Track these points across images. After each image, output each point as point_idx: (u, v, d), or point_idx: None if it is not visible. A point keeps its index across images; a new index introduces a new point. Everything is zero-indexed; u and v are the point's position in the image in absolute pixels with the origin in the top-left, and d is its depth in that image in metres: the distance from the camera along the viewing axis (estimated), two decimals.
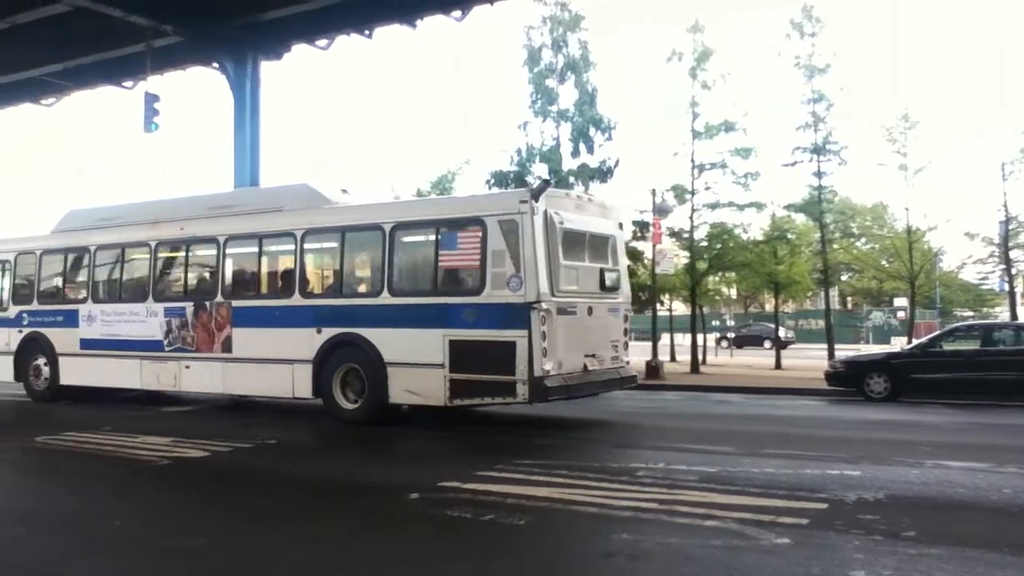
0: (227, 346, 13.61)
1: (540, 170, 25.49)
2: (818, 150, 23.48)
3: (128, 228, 15.22)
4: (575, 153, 25.46)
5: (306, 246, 13.17)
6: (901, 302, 45.01)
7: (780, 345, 28.36)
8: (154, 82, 23.03)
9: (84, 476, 8.96)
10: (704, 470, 8.33)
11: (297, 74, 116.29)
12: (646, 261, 24.73)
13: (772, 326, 34.78)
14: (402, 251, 12.49)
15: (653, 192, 22.87)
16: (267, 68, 24.98)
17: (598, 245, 12.63)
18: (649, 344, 23.21)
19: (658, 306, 26.66)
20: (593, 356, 12.08)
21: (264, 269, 14.08)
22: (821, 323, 32.55)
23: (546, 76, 25.63)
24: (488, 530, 6.35)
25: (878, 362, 17.10)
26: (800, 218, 28.48)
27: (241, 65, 24.07)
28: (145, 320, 14.59)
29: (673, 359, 29.11)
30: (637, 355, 28.07)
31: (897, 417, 13.72)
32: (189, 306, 14.12)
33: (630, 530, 6.16)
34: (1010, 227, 24.04)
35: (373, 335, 12.03)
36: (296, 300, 13.02)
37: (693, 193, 24.00)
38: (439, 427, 12.27)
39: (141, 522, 6.88)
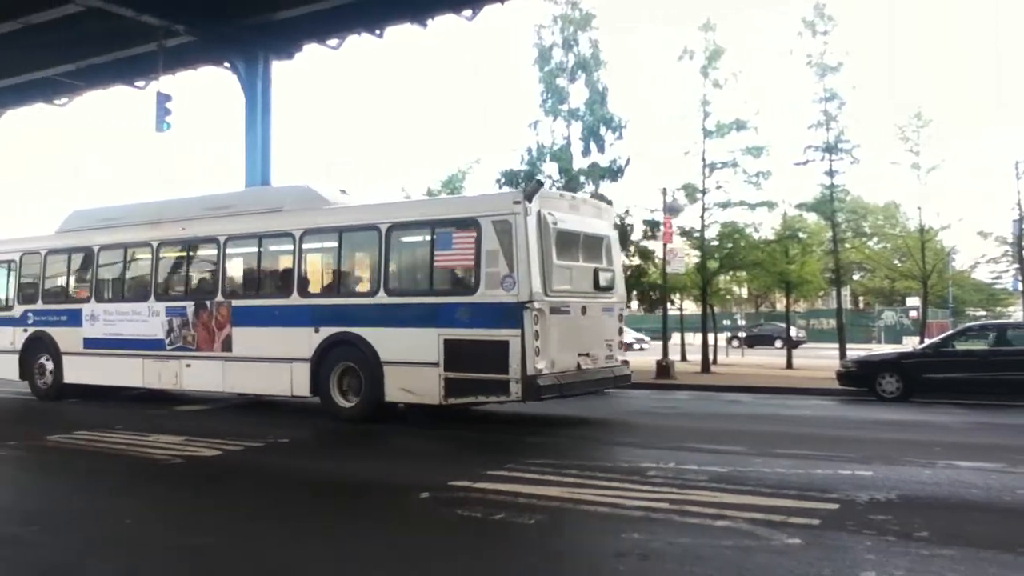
0: (227, 345, 13.76)
1: (551, 169, 25.49)
2: (830, 149, 23.38)
3: (130, 228, 15.39)
4: (586, 152, 25.43)
5: (304, 246, 13.31)
6: (913, 302, 44.75)
7: (791, 345, 28.23)
8: (166, 82, 23.10)
9: (96, 474, 9.02)
10: (715, 470, 8.31)
11: (308, 74, 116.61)
12: (657, 260, 24.69)
13: (783, 326, 34.63)
14: (398, 251, 12.66)
15: (664, 191, 22.84)
16: (278, 68, 25.06)
17: (592, 245, 12.72)
18: (660, 343, 23.16)
19: (669, 305, 26.60)
20: (587, 355, 12.18)
21: (263, 269, 14.24)
22: (832, 323, 32.43)
23: (557, 75, 25.62)
24: (499, 529, 6.36)
25: (890, 362, 17.02)
26: (812, 217, 28.39)
27: (252, 65, 24.14)
28: (147, 319, 14.75)
29: (684, 359, 29.06)
30: (648, 354, 28.13)
31: (909, 417, 13.67)
32: (190, 305, 14.27)
33: (641, 530, 6.16)
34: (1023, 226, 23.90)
35: (370, 334, 12.17)
36: (294, 300, 13.16)
37: (704, 192, 23.94)
38: (437, 426, 12.33)
39: (152, 520, 6.91)
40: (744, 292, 55.78)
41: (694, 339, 30.54)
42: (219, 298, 13.97)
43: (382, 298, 12.26)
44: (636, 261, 26.15)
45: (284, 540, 6.12)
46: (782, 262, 25.27)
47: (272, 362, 13.16)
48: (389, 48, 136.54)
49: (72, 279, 16.43)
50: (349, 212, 13.46)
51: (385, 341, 12.03)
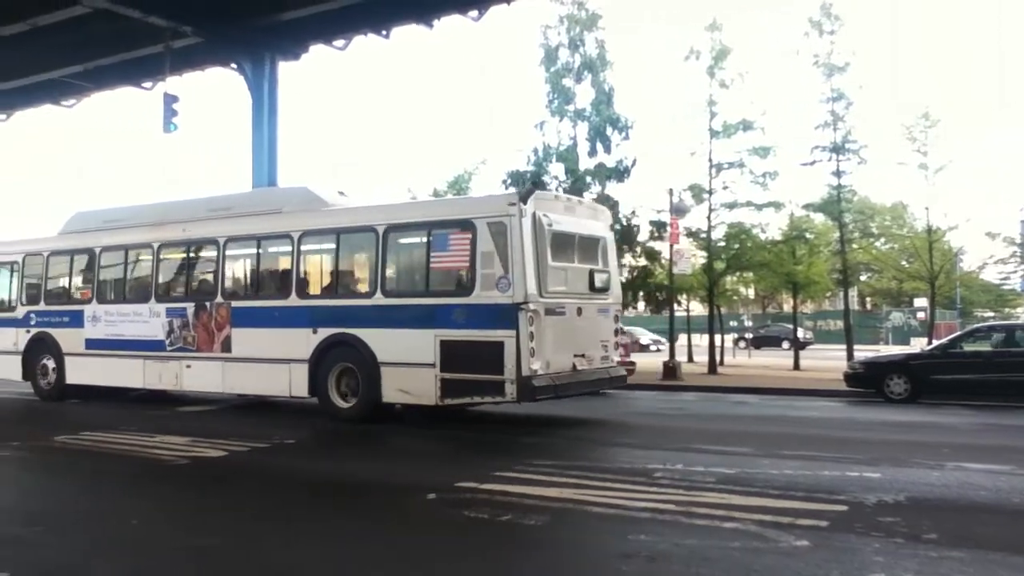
0: (226, 346, 13.83)
1: (557, 170, 25.52)
2: (837, 149, 23.32)
3: (132, 230, 15.48)
4: (592, 152, 25.44)
5: (303, 248, 13.38)
6: (921, 303, 44.60)
7: (798, 346, 28.18)
8: (173, 83, 23.18)
9: (103, 475, 9.02)
10: (722, 471, 8.28)
11: (315, 74, 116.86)
12: (663, 261, 24.64)
13: (790, 327, 34.59)
14: (395, 253, 12.73)
15: (670, 192, 22.77)
16: (285, 68, 25.10)
17: (588, 247, 12.75)
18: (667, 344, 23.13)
19: (675, 306, 26.56)
20: (582, 356, 12.21)
21: (262, 270, 14.31)
22: (840, 324, 32.38)
23: (563, 75, 25.63)
24: (506, 531, 6.34)
25: (898, 363, 16.96)
26: (819, 218, 28.29)
27: (259, 65, 24.17)
28: (148, 320, 14.83)
29: (690, 360, 29.02)
30: (655, 356, 28.09)
31: (917, 418, 13.61)
32: (190, 306, 14.35)
33: (648, 531, 6.13)
34: None
35: (367, 335, 12.23)
36: (293, 301, 13.22)
37: (711, 193, 23.89)
38: (436, 426, 12.36)
39: (158, 521, 6.91)
40: (751, 293, 55.66)
41: (701, 340, 30.49)
42: (219, 299, 14.04)
43: (379, 299, 12.33)
44: (642, 262, 26.14)
45: (290, 541, 6.11)
46: (789, 263, 25.21)
47: (271, 363, 13.23)
48: (395, 49, 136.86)
49: (74, 280, 16.53)
50: (346, 214, 13.52)
51: (382, 342, 12.10)
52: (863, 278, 54.50)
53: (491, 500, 7.12)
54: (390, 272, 12.63)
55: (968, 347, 16.71)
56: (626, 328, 39.79)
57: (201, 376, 14.18)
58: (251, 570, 5.62)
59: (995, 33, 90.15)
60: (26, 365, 16.58)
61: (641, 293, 27.08)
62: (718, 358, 25.43)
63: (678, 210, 22.64)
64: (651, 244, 25.84)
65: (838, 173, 23.51)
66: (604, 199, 25.12)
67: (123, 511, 7.21)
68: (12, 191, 74.27)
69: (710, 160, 23.78)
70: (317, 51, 25.02)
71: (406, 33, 24.04)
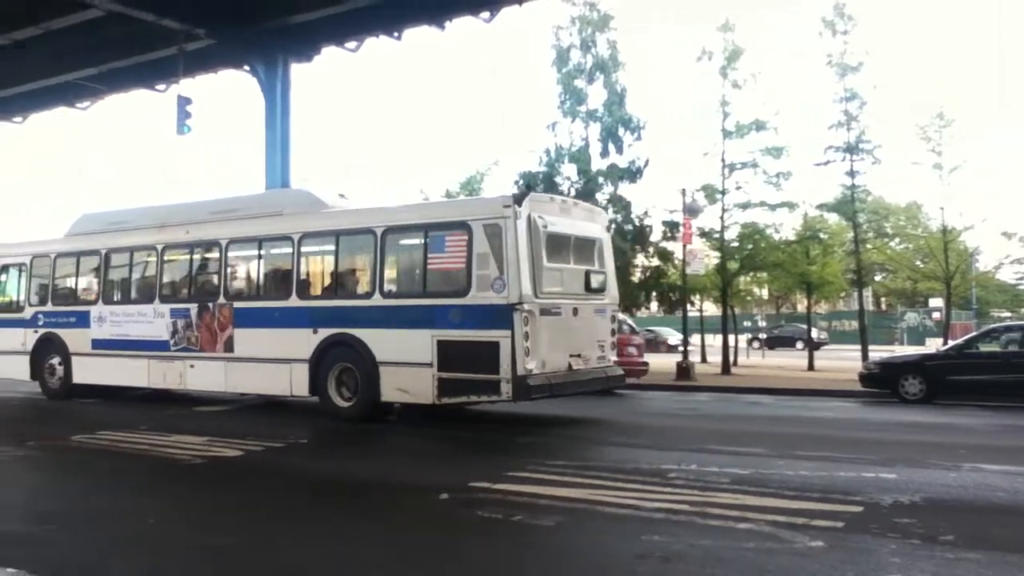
0: (229, 346, 13.98)
1: (569, 170, 25.50)
2: (851, 149, 23.23)
3: (136, 232, 15.68)
4: (604, 153, 25.42)
5: (303, 249, 13.53)
6: (936, 303, 44.32)
7: (813, 346, 28.07)
8: (186, 85, 23.32)
9: (120, 474, 9.08)
10: (736, 472, 8.25)
11: (327, 76, 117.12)
12: (677, 261, 24.59)
13: (804, 327, 34.42)
14: (393, 254, 12.83)
15: (683, 192, 22.74)
16: (297, 70, 25.17)
17: (584, 248, 12.82)
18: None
19: (689, 307, 26.50)
20: (578, 356, 12.27)
21: (264, 271, 14.46)
22: (854, 324, 32.17)
23: (575, 76, 25.62)
24: (519, 531, 6.34)
25: (913, 363, 16.87)
26: (833, 218, 28.18)
27: (272, 67, 24.26)
28: (152, 321, 15.00)
29: (704, 360, 28.95)
30: (658, 356, 28.02)
31: (933, 419, 13.54)
32: (193, 307, 14.52)
33: (662, 532, 6.11)
34: None
35: (366, 335, 12.35)
36: (293, 301, 13.36)
37: (724, 193, 23.84)
38: (438, 425, 12.43)
39: (173, 520, 6.94)
40: (765, 293, 55.42)
41: (714, 340, 30.40)
42: (221, 300, 14.20)
43: (377, 300, 12.46)
44: (655, 262, 26.09)
45: (306, 540, 6.12)
46: (803, 263, 25.13)
47: (272, 363, 13.38)
48: (407, 50, 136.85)
49: (80, 281, 16.72)
50: (346, 216, 13.62)
51: (381, 342, 12.22)
52: (878, 278, 54.23)
53: (504, 500, 7.12)
54: (388, 273, 12.77)
55: (984, 347, 16.60)
56: (653, 328, 40.08)
57: (204, 376, 14.36)
58: (267, 570, 5.63)
59: (996, 31, 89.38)
60: (34, 365, 16.78)
61: (654, 293, 27.03)
62: (732, 358, 25.36)
63: (691, 210, 22.60)
64: (664, 244, 25.80)
65: (852, 173, 23.43)
66: (616, 200, 25.15)
67: (141, 510, 7.24)
68: (12, 191, 74.85)
69: (723, 160, 23.74)
70: (329, 53, 25.11)
71: (418, 35, 24.10)
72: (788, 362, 29.70)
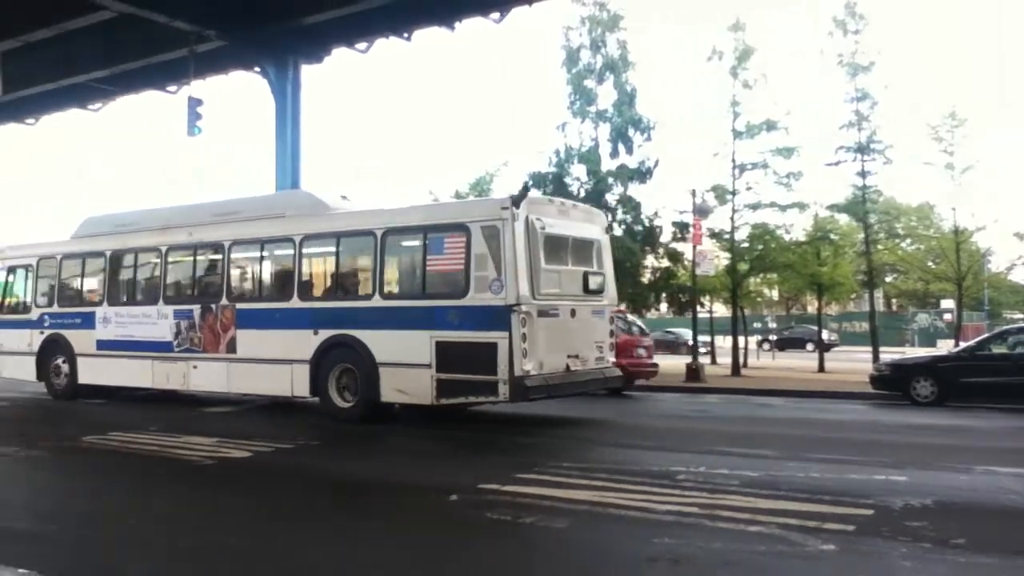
0: (231, 347, 14.06)
1: (579, 171, 25.49)
2: (862, 149, 23.13)
3: (140, 234, 15.81)
4: (614, 154, 25.41)
5: (304, 251, 13.58)
6: (948, 304, 44.11)
7: (823, 348, 27.97)
8: (197, 86, 23.41)
9: (129, 475, 9.11)
10: (746, 474, 8.22)
11: (337, 77, 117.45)
12: (687, 262, 24.55)
13: (815, 328, 34.35)
14: (393, 256, 12.87)
15: (693, 193, 22.70)
16: (308, 71, 25.22)
17: (582, 249, 12.83)
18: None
19: (699, 308, 26.44)
20: (576, 357, 12.27)
21: (266, 273, 14.56)
22: (865, 325, 32.12)
23: (585, 77, 25.62)
24: (528, 533, 6.33)
25: (924, 365, 16.77)
26: (844, 218, 28.06)
27: (282, 69, 24.31)
28: (156, 322, 15.11)
29: (714, 362, 28.89)
30: (678, 357, 27.97)
31: (944, 422, 13.47)
32: (196, 308, 14.61)
33: (672, 534, 6.10)
34: None
35: (365, 336, 12.41)
36: (295, 303, 13.44)
37: (734, 193, 23.78)
38: (442, 426, 12.44)
39: (179, 521, 6.95)
40: (775, 294, 55.29)
41: (724, 342, 30.34)
42: (224, 301, 14.28)
43: (377, 301, 12.51)
44: (665, 263, 26.06)
45: (318, 541, 6.13)
46: (813, 264, 25.02)
47: (274, 363, 13.45)
48: (417, 51, 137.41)
49: (86, 283, 16.84)
50: (346, 218, 13.67)
51: (380, 343, 12.27)
52: (889, 279, 53.99)
53: (513, 502, 7.11)
54: (388, 275, 12.82)
55: (996, 349, 16.47)
56: (673, 330, 39.91)
57: (207, 376, 14.45)
58: (278, 571, 5.64)
59: (996, 31, 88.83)
60: (40, 365, 16.90)
61: (664, 294, 27.00)
62: (742, 360, 25.29)
63: (701, 211, 22.56)
64: (674, 245, 25.76)
65: (863, 173, 23.32)
66: (626, 200, 25.14)
67: (148, 510, 7.27)
68: (12, 191, 75.31)
69: (733, 161, 23.68)
70: (339, 54, 25.14)
71: (428, 35, 24.14)
72: (798, 364, 29.59)
